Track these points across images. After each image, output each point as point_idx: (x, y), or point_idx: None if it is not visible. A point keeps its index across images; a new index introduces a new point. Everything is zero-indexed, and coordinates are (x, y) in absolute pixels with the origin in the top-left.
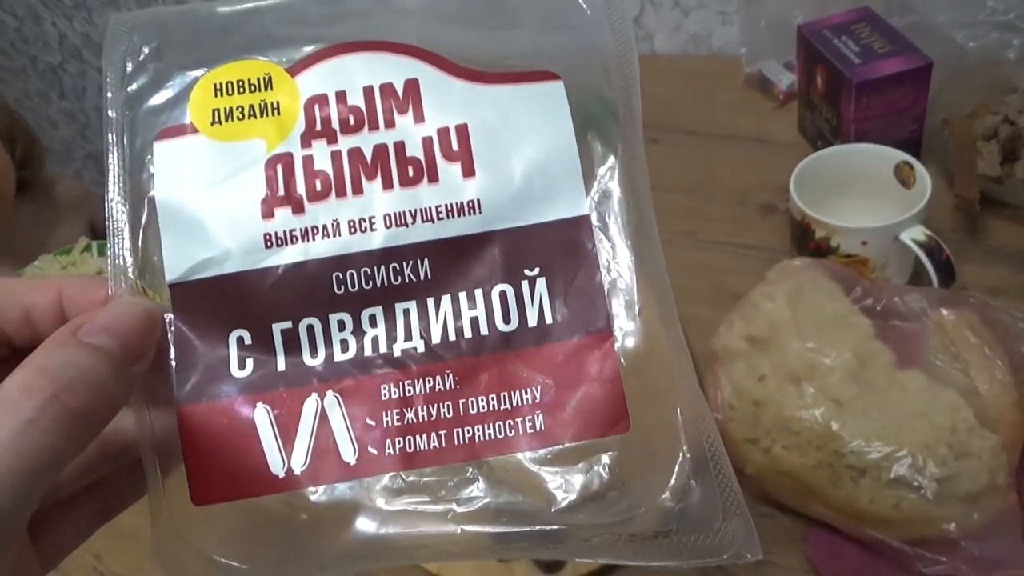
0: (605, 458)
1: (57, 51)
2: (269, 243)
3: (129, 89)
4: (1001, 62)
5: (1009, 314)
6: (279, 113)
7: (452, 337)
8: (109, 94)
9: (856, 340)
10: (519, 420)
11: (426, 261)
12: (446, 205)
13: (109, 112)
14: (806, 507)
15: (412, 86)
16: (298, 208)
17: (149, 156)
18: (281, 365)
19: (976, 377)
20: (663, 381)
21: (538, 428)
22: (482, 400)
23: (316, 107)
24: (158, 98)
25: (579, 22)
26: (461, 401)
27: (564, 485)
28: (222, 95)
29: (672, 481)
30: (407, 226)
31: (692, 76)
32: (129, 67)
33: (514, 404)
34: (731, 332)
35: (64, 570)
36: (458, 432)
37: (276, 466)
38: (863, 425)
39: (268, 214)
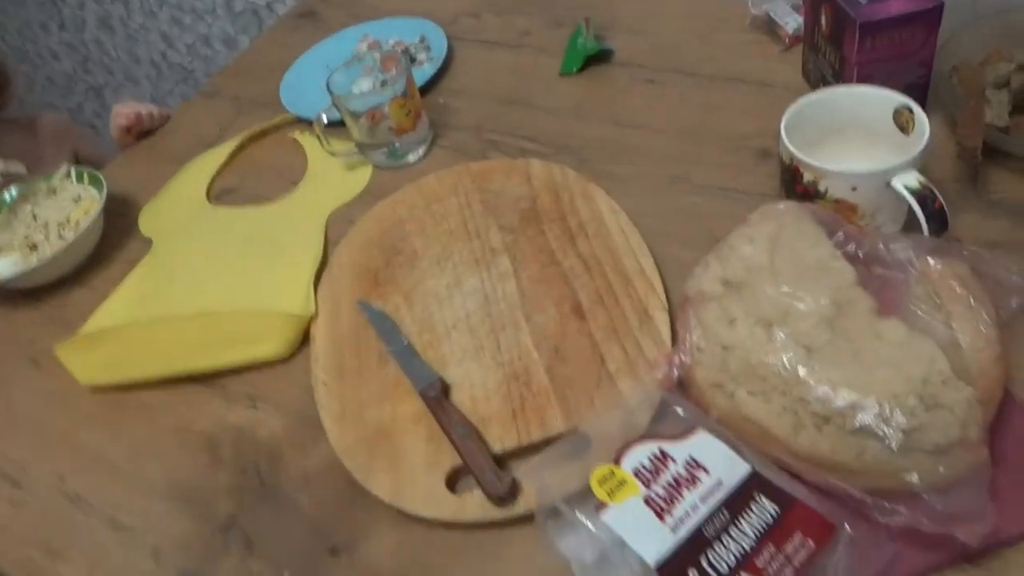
0: None
1: None
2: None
3: None
4: (1017, 9)
5: (1003, 267)
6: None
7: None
8: None
9: (836, 286)
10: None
11: None
12: None
13: None
14: (769, 454)
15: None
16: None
17: None
18: None
19: (958, 329)
20: None
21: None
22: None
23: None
24: None
25: None
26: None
27: None
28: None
29: None
30: None
31: (695, 17)
32: None
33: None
34: (706, 274)
35: (29, 488)
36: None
37: None
38: (831, 372)
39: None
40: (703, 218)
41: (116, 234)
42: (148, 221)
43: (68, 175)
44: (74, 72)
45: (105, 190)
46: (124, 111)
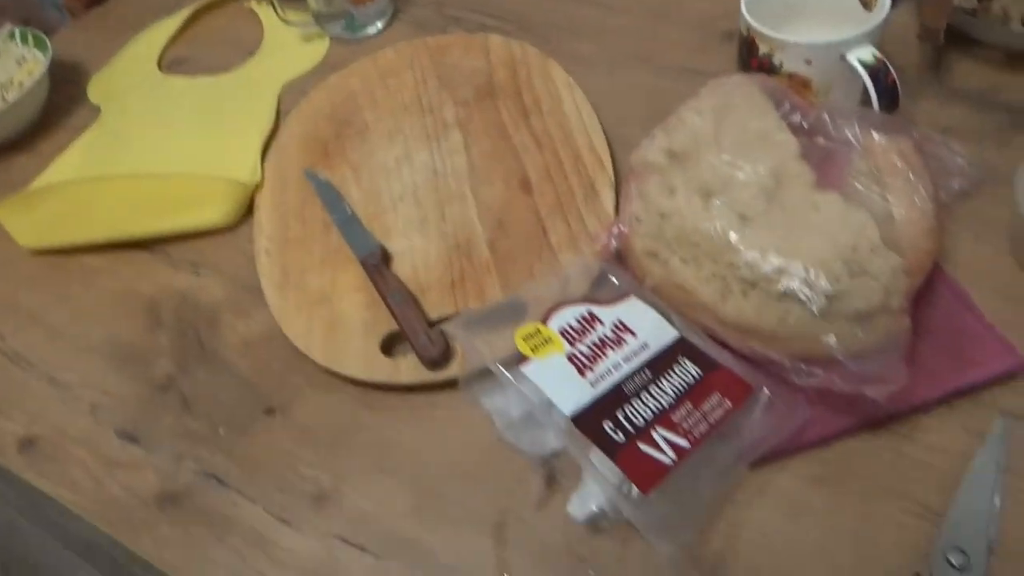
0: None
1: None
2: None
3: None
4: None
5: (948, 148)
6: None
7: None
8: None
9: (779, 158)
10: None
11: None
12: None
13: None
14: (698, 321)
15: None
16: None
17: None
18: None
19: (894, 201)
20: None
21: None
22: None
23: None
24: None
25: None
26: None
27: None
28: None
29: None
30: None
31: None
32: None
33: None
34: (652, 145)
35: None
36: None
37: None
38: (762, 239)
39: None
40: (664, 99)
41: (65, 101)
42: (98, 89)
43: (12, 36)
44: None
45: (50, 52)
46: None
